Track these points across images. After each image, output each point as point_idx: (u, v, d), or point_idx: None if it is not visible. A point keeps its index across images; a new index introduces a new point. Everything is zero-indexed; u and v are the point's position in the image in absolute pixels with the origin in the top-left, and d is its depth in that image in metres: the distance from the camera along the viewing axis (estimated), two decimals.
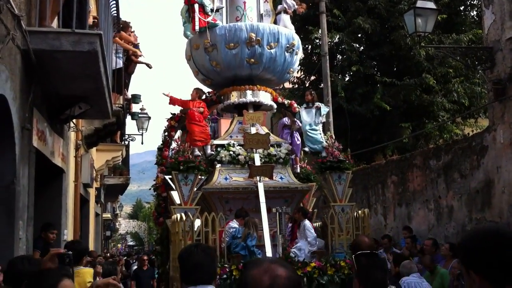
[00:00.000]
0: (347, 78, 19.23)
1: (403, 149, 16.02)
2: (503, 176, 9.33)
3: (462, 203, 10.73)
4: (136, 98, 17.11)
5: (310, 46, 20.04)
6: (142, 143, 19.43)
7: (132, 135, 19.85)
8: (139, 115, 18.56)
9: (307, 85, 20.73)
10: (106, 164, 16.49)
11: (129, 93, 15.92)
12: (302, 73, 20.81)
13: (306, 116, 10.06)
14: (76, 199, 11.27)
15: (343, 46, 18.57)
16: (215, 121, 13.32)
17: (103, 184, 19.97)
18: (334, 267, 7.70)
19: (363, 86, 17.60)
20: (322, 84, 16.65)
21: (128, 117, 19.14)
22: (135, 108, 18.33)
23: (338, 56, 19.68)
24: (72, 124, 9.88)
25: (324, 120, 10.55)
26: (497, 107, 9.58)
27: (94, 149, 14.50)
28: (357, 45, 18.91)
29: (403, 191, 12.96)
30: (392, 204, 13.47)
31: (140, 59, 12.89)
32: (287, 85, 21.30)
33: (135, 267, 15.62)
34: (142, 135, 19.03)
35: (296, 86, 21.07)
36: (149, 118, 18.92)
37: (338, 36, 18.38)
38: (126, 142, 19.46)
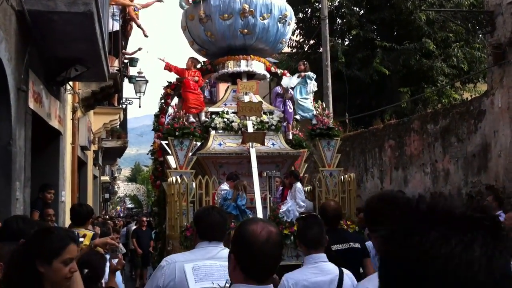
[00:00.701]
0: (346, 42, 19.07)
1: (401, 114, 16.01)
2: (499, 140, 9.35)
3: (459, 166, 10.79)
4: (133, 61, 16.99)
5: (309, 10, 19.83)
6: (139, 106, 19.32)
7: (129, 99, 19.74)
8: (137, 79, 18.39)
9: (306, 49, 20.58)
10: (103, 127, 16.48)
11: (127, 56, 15.85)
12: (301, 37, 20.62)
13: (292, 81, 10.41)
14: (74, 161, 11.31)
15: (343, 10, 18.35)
16: (214, 86, 13.36)
17: (101, 147, 20.02)
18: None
19: (362, 51, 17.48)
20: (321, 48, 16.53)
21: (126, 81, 19.06)
22: (133, 71, 18.21)
23: (338, 20, 19.45)
24: (68, 87, 9.84)
25: (315, 89, 10.78)
26: (496, 72, 9.53)
27: (91, 112, 14.49)
28: (357, 9, 18.70)
29: (400, 155, 13.02)
30: (389, 168, 13.54)
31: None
32: (286, 49, 21.15)
33: (134, 227, 16.25)
34: (139, 98, 18.90)
35: (295, 50, 20.92)
36: (147, 81, 18.78)
37: (338, 0, 18.16)
38: (124, 106, 19.38)
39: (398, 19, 17.36)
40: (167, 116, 10.34)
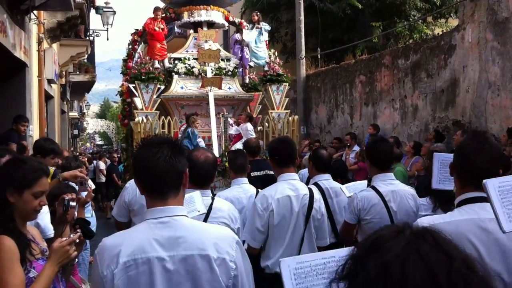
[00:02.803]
0: None
1: (373, 49, 15.98)
2: (468, 75, 9.47)
3: (427, 102, 10.94)
4: None
5: None
6: (107, 39, 18.74)
7: (96, 30, 19.12)
8: (104, 9, 17.78)
9: None
10: (70, 60, 16.05)
11: None
12: None
13: (252, 35, 11.41)
14: (41, 95, 11.05)
15: None
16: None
17: (69, 81, 19.57)
18: None
19: None
20: None
21: (92, 11, 18.41)
22: (100, 1, 17.60)
23: None
24: (33, 16, 9.46)
25: (267, 38, 11.84)
26: (468, 6, 9.51)
27: (57, 44, 14.03)
28: None
29: (370, 91, 13.10)
30: (359, 104, 13.66)
31: None
32: None
33: (109, 162, 17.41)
34: (107, 30, 18.32)
35: None
36: (114, 12, 18.16)
37: None
38: (91, 38, 18.80)
39: None
40: (134, 61, 11.16)
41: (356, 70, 13.82)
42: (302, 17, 15.46)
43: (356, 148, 10.80)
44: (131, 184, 4.17)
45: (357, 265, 1.00)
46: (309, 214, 3.87)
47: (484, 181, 2.03)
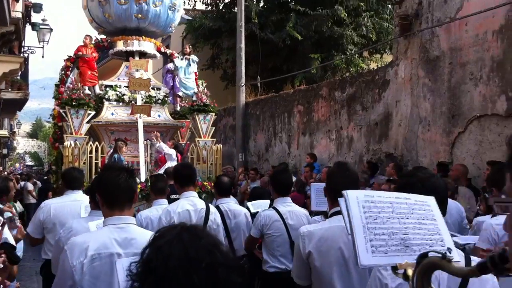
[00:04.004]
0: (261, 4, 18.97)
1: (311, 80, 16.28)
2: (401, 109, 9.76)
3: (362, 134, 11.19)
4: (37, 7, 15.95)
5: None
6: (42, 56, 18.17)
7: (32, 47, 18.49)
8: (40, 26, 17.27)
9: (221, 7, 20.27)
10: (3, 76, 15.38)
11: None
12: None
13: (182, 66, 12.24)
14: None
15: None
16: None
17: (0, 98, 18.74)
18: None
19: (277, 13, 17.46)
20: (236, 8, 16.31)
21: (28, 28, 17.84)
22: (36, 18, 17.10)
23: None
24: None
25: (195, 70, 12.64)
26: (402, 43, 9.87)
27: None
28: None
29: (308, 121, 13.28)
30: (297, 133, 13.81)
31: None
32: (201, 6, 20.73)
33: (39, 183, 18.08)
34: (43, 47, 17.79)
35: (210, 7, 20.55)
36: (51, 30, 17.68)
37: None
38: (26, 55, 18.15)
39: None
40: (66, 87, 11.60)
41: (295, 100, 14.00)
42: (243, 45, 15.58)
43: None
44: (45, 204, 4.92)
45: (143, 250, 1.45)
46: (206, 225, 4.58)
47: (344, 192, 1.95)
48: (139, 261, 1.43)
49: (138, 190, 9.27)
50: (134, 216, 4.09)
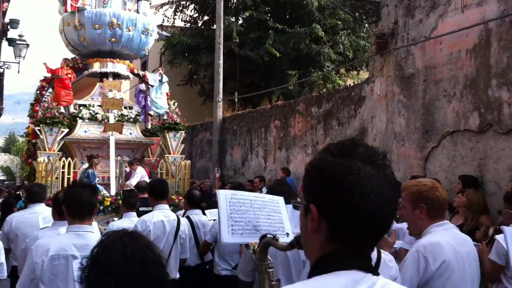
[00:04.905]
0: (240, 22, 19.14)
1: (288, 96, 16.44)
2: (376, 125, 9.92)
3: None
4: (14, 23, 15.89)
5: None
6: (18, 71, 17.98)
7: (7, 63, 18.27)
8: (17, 42, 17.12)
9: (199, 24, 20.38)
10: None
11: (8, 18, 14.87)
12: (195, 11, 20.37)
13: (153, 86, 12.94)
14: None
15: None
16: None
17: None
18: None
19: (255, 31, 17.64)
20: (215, 25, 16.44)
21: (5, 43, 17.70)
22: (13, 34, 16.98)
23: None
24: None
25: (167, 90, 13.37)
26: (378, 60, 10.06)
27: None
28: None
29: (285, 136, 13.38)
30: (273, 148, 13.88)
31: None
32: (179, 23, 20.81)
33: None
34: (19, 63, 17.60)
35: (189, 25, 20.65)
36: (28, 45, 17.52)
37: None
38: (1, 70, 17.95)
39: (291, 2, 17.71)
40: (41, 105, 12.15)
41: (272, 115, 14.10)
42: (221, 61, 15.68)
43: (265, 190, 10.90)
44: (10, 217, 5.54)
45: (93, 249, 1.81)
46: (177, 234, 5.16)
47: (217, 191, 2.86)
48: (89, 257, 1.79)
49: (108, 203, 9.73)
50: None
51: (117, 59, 12.98)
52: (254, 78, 18.28)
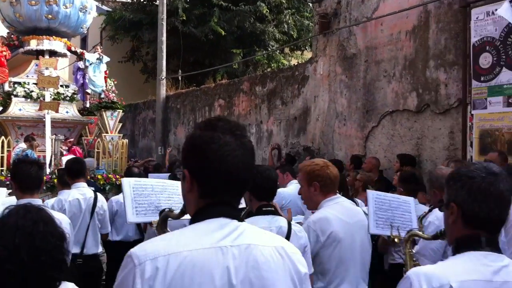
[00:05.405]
0: None
1: (233, 75, 16.34)
2: (319, 104, 10.02)
3: (281, 128, 11.38)
4: None
5: None
6: None
7: None
8: None
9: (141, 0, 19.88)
10: None
11: None
12: None
13: (92, 64, 12.77)
14: None
15: None
16: None
17: None
18: (93, 178, 10.30)
19: (199, 8, 17.37)
20: (157, 0, 16.07)
21: None
22: None
23: None
24: None
25: (106, 69, 13.13)
26: (321, 40, 10.12)
27: None
28: None
29: (229, 115, 13.31)
30: None
31: None
32: None
33: None
34: None
35: (130, 0, 20.11)
36: None
37: None
38: None
39: None
40: None
41: (216, 94, 13.99)
42: (164, 38, 15.37)
43: None
44: None
45: None
46: (93, 210, 5.37)
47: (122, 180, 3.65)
48: None
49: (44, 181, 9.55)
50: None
51: (54, 37, 12.80)
52: (198, 56, 18.06)
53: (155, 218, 2.57)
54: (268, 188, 3.30)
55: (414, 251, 3.15)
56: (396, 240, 2.50)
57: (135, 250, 1.47)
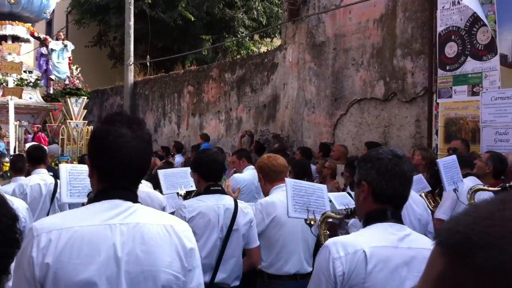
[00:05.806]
0: None
1: (202, 61, 16.22)
2: (288, 92, 10.05)
3: (250, 115, 11.37)
4: None
5: None
6: None
7: None
8: None
9: None
10: None
11: None
12: None
13: (55, 50, 12.90)
14: None
15: None
16: None
17: None
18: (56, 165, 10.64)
19: None
20: None
21: None
22: None
23: None
24: None
25: (70, 55, 13.34)
26: (290, 28, 10.12)
27: None
28: None
29: (198, 102, 13.24)
30: (187, 114, 13.71)
31: None
32: None
33: None
34: None
35: None
36: None
37: None
38: None
39: None
40: None
41: (185, 81, 13.88)
42: (131, 23, 15.13)
43: (179, 158, 10.81)
44: None
45: None
46: (53, 196, 5.44)
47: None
48: None
49: (7, 168, 9.71)
50: None
51: (17, 22, 12.94)
52: (167, 42, 17.84)
53: (84, 200, 3.06)
54: (215, 169, 3.59)
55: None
56: (312, 222, 2.84)
57: (36, 224, 1.68)
